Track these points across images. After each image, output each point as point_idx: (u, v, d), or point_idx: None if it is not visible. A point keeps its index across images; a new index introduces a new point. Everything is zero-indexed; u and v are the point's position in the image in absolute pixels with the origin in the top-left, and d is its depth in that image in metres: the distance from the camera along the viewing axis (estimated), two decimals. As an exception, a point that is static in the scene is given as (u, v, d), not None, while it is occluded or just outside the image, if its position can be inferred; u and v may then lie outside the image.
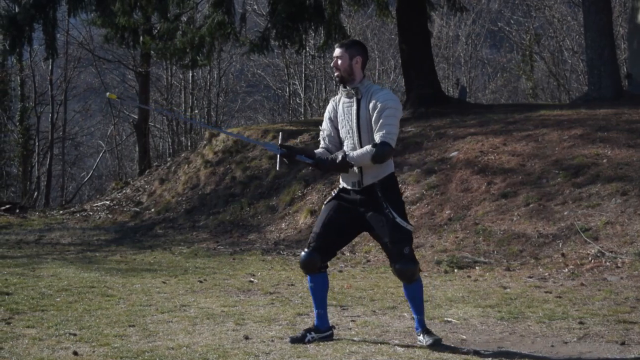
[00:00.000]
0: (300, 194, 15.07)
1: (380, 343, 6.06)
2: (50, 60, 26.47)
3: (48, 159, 31.09)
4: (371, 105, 5.87)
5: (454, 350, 5.87)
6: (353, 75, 5.98)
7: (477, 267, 10.25)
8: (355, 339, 6.23)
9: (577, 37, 31.97)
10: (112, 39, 20.55)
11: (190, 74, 33.45)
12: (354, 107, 5.95)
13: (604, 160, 12.21)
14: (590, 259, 9.69)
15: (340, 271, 10.76)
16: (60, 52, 23.86)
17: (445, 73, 34.85)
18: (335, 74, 6.07)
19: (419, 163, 14.38)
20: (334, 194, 6.17)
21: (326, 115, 6.21)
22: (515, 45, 36.57)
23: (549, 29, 34.51)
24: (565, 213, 11.05)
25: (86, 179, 37.29)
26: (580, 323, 6.75)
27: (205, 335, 6.36)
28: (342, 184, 6.11)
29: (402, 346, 5.94)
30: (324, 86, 35.02)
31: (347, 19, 30.65)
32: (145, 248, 14.32)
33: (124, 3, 18.76)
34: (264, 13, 27.18)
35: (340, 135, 6.08)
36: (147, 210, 18.01)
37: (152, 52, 21.16)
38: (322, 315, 6.14)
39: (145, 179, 20.97)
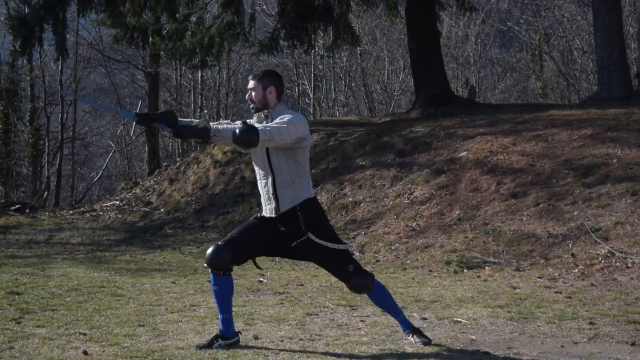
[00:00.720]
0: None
1: (390, 343, 6.05)
2: (60, 61, 26.52)
3: (58, 159, 31.16)
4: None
5: (463, 350, 5.86)
6: (267, 105, 5.89)
7: (486, 267, 10.23)
8: (364, 339, 6.23)
9: (587, 36, 31.87)
10: (122, 39, 20.58)
11: (200, 74, 33.49)
12: None
13: (614, 160, 12.18)
14: (600, 259, 9.67)
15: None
16: (70, 53, 23.87)
17: (455, 73, 34.76)
18: (251, 106, 5.95)
19: (428, 163, 14.37)
20: (258, 215, 6.04)
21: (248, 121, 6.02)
22: (525, 45, 36.48)
23: (559, 28, 34.42)
24: (575, 213, 11.03)
25: (96, 179, 37.35)
26: (591, 323, 6.73)
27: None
28: (263, 213, 5.99)
29: (411, 346, 5.94)
30: (333, 86, 35.00)
31: (356, 19, 30.62)
32: (154, 248, 14.34)
33: (134, 3, 18.80)
34: (273, 13, 27.20)
35: (252, 159, 6.00)
36: (156, 210, 18.04)
37: (161, 52, 21.18)
38: (227, 321, 5.93)
39: (155, 179, 21.00)
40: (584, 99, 21.64)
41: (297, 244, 5.80)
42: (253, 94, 5.92)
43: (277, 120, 5.73)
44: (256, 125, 5.69)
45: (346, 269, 5.86)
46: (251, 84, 5.95)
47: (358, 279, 5.88)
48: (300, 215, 5.80)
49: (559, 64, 33.99)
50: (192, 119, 5.96)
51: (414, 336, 6.01)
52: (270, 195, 5.87)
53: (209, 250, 5.86)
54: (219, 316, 5.97)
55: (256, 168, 5.98)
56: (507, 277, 9.60)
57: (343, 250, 5.87)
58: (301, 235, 5.76)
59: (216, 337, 5.91)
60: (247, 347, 5.90)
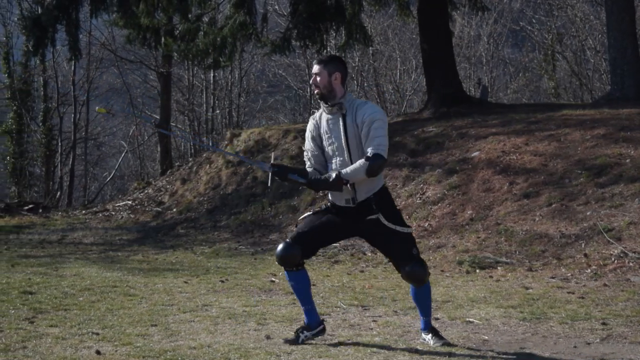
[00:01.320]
0: (321, 194, 15.06)
1: (402, 343, 6.05)
2: (73, 61, 26.61)
3: (71, 159, 31.24)
4: (358, 119, 5.82)
5: (475, 350, 5.85)
6: (333, 91, 5.93)
7: (499, 268, 10.21)
8: (376, 339, 6.23)
9: (600, 36, 31.75)
10: (134, 39, 20.61)
11: (212, 74, 33.51)
12: (340, 123, 5.89)
13: (627, 160, 12.14)
14: (613, 259, 9.63)
15: (362, 271, 10.75)
16: (82, 53, 23.96)
17: (467, 73, 34.69)
18: (315, 92, 6.00)
19: (440, 163, 14.35)
20: (323, 207, 6.09)
21: (308, 134, 6.12)
22: (537, 45, 36.36)
23: (571, 28, 34.29)
24: (588, 213, 10.99)
25: (108, 179, 37.44)
26: (603, 324, 6.71)
27: (227, 335, 6.38)
28: (332, 201, 6.02)
29: (423, 346, 5.93)
30: (345, 86, 34.94)
31: (368, 19, 30.59)
32: (167, 248, 14.37)
33: (146, 4, 18.83)
34: (285, 13, 27.22)
35: (326, 153, 6.02)
36: (168, 210, 18.07)
37: (174, 53, 21.20)
38: (310, 311, 6.08)
39: (167, 179, 21.04)
40: (597, 99, 21.57)
41: (366, 226, 5.87)
42: (318, 79, 5.95)
43: (368, 123, 5.78)
44: (370, 150, 5.74)
45: (410, 252, 5.87)
46: (316, 68, 5.97)
47: (417, 267, 5.88)
48: (372, 199, 5.85)
49: (572, 64, 33.87)
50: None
51: (434, 337, 5.99)
52: (348, 186, 5.87)
53: (279, 249, 5.98)
54: (302, 308, 6.12)
55: (333, 159, 5.98)
56: (520, 278, 9.58)
57: (409, 234, 5.91)
58: (372, 216, 5.83)
59: (302, 329, 6.05)
60: (259, 347, 5.91)
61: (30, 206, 21.83)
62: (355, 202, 5.89)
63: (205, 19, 20.34)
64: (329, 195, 6.08)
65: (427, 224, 12.59)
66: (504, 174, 13.05)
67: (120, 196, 23.80)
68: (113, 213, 19.10)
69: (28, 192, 31.71)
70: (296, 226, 6.20)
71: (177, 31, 20.32)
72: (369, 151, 5.75)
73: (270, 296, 8.66)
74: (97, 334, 6.40)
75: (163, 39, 20.36)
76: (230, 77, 35.00)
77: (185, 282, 9.77)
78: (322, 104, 6.00)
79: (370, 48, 30.07)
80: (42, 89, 32.51)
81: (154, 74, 32.66)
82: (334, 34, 25.41)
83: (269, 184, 6.47)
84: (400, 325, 6.77)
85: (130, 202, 19.84)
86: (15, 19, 31.55)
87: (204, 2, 19.35)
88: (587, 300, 7.89)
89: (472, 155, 14.10)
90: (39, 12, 21.61)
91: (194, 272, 10.92)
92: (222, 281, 9.80)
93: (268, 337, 6.23)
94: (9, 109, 32.37)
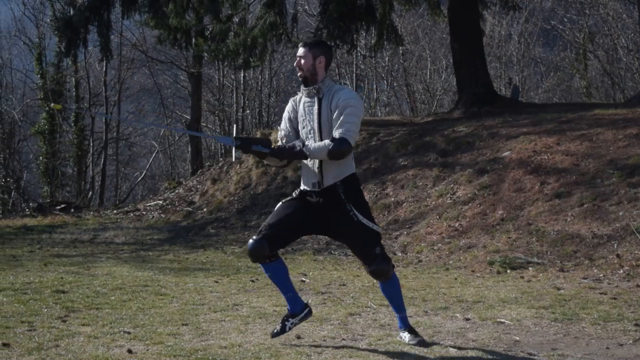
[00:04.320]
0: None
1: (433, 343, 6.03)
2: (105, 62, 26.81)
3: (102, 159, 31.50)
4: (333, 104, 5.80)
5: (507, 351, 5.83)
6: (316, 75, 5.90)
7: (530, 268, 10.15)
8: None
9: (632, 35, 31.52)
10: (165, 40, 20.73)
11: (242, 75, 33.61)
12: (315, 107, 5.87)
13: (660, 160, 12.03)
14: (646, 260, 9.56)
15: (392, 271, 10.73)
16: (114, 54, 24.14)
17: (498, 72, 34.54)
18: (299, 74, 5.96)
19: (471, 163, 14.29)
20: (294, 195, 6.06)
21: (285, 115, 6.12)
22: (569, 44, 36.15)
23: (604, 27, 34.05)
24: (621, 213, 10.90)
25: (139, 179, 37.67)
26: (636, 325, 6.65)
27: (258, 335, 6.39)
28: (303, 186, 6.00)
29: (454, 347, 5.92)
30: (375, 86, 34.94)
31: (399, 19, 30.55)
32: (197, 247, 14.43)
33: (177, 4, 18.92)
34: (315, 13, 27.25)
35: (301, 136, 5.98)
36: (199, 210, 18.15)
37: (204, 53, 21.30)
38: (292, 298, 6.07)
39: (198, 178, 21.13)
40: (630, 98, 21.39)
41: (333, 218, 5.82)
42: (302, 61, 5.91)
43: (341, 108, 5.74)
44: (337, 133, 5.71)
45: (372, 251, 5.82)
46: (301, 51, 5.94)
47: (381, 264, 5.83)
48: (339, 186, 5.81)
49: (604, 63, 33.63)
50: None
51: (410, 335, 5.98)
52: (316, 170, 5.87)
53: (248, 247, 5.95)
54: (284, 297, 6.12)
55: (306, 142, 5.94)
56: (551, 278, 9.52)
57: (375, 232, 5.84)
58: (340, 206, 5.79)
59: (287, 318, 6.05)
60: (289, 346, 5.92)
61: (63, 206, 22.03)
62: (321, 186, 5.86)
63: (236, 19, 20.41)
64: (301, 182, 6.04)
65: (457, 224, 12.55)
66: (535, 173, 12.98)
67: (151, 196, 23.95)
68: (144, 213, 19.21)
69: (60, 192, 31.99)
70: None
71: (208, 32, 20.41)
72: (337, 134, 5.71)
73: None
74: (129, 332, 6.44)
75: (194, 39, 20.46)
76: (260, 77, 35.09)
77: (216, 282, 9.80)
78: (302, 87, 5.98)
79: (401, 48, 30.03)
80: (74, 89, 32.81)
81: (184, 75, 32.84)
82: (364, 34, 25.40)
83: (234, 158, 6.46)
84: (431, 325, 6.75)
85: (161, 202, 19.94)
86: (48, 20, 31.84)
87: (234, 3, 19.41)
88: (620, 301, 7.83)
89: (503, 155, 14.04)
90: (71, 13, 21.79)
91: (225, 271, 10.96)
92: (253, 281, 9.82)
93: (298, 337, 6.24)
94: (42, 110, 32.69)
